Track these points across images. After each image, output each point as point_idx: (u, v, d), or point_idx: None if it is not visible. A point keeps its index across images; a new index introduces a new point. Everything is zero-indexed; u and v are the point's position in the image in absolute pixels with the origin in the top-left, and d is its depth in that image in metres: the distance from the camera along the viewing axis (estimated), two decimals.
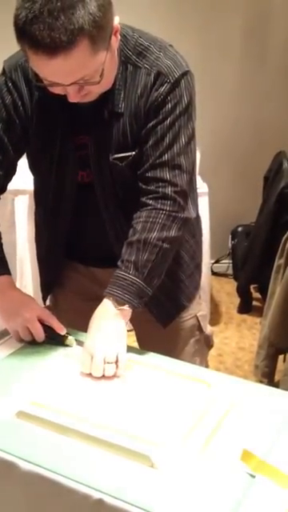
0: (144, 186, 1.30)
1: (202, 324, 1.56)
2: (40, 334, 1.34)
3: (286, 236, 2.38)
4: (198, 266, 1.56)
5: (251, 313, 3.33)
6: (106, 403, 1.15)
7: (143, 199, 1.29)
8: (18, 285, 2.77)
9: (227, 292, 3.58)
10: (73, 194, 1.38)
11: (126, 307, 1.25)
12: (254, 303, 3.36)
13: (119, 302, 1.25)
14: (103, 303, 1.26)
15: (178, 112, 1.26)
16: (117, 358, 1.21)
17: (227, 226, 3.54)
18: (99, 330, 1.24)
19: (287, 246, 2.35)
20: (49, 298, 1.66)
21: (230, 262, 3.62)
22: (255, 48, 3.43)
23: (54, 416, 1.08)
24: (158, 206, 1.27)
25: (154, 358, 1.33)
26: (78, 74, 1.12)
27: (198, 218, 1.50)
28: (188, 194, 1.32)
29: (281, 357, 2.54)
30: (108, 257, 1.37)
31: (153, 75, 1.24)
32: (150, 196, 1.28)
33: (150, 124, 1.26)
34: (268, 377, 2.52)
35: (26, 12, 1.04)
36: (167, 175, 1.27)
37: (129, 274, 1.25)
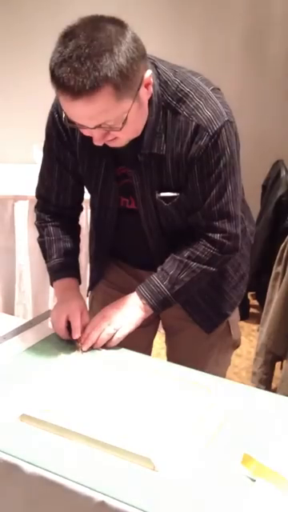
0: (196, 229, 1.40)
1: (231, 327, 1.61)
2: (60, 325, 1.41)
3: (284, 244, 2.39)
4: (244, 277, 1.61)
5: (249, 320, 3.33)
6: (109, 407, 1.16)
7: (195, 235, 1.40)
8: (16, 290, 2.79)
9: None
10: (114, 218, 1.46)
11: (149, 308, 1.40)
12: (252, 310, 3.37)
13: (145, 303, 1.40)
14: (132, 295, 1.42)
15: (222, 165, 1.30)
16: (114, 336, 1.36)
17: None
18: (117, 308, 1.41)
19: (285, 253, 2.37)
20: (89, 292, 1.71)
21: None
22: (254, 58, 3.45)
23: (56, 419, 1.09)
24: (208, 245, 1.39)
25: (155, 363, 1.35)
26: (100, 118, 1.16)
27: (245, 231, 1.54)
28: (238, 235, 1.41)
29: (278, 364, 2.56)
30: (151, 265, 1.45)
31: (192, 126, 1.27)
32: (202, 237, 1.39)
33: (196, 178, 1.31)
34: (265, 383, 2.53)
35: (58, 55, 1.12)
36: (217, 223, 1.37)
37: (162, 283, 1.39)
